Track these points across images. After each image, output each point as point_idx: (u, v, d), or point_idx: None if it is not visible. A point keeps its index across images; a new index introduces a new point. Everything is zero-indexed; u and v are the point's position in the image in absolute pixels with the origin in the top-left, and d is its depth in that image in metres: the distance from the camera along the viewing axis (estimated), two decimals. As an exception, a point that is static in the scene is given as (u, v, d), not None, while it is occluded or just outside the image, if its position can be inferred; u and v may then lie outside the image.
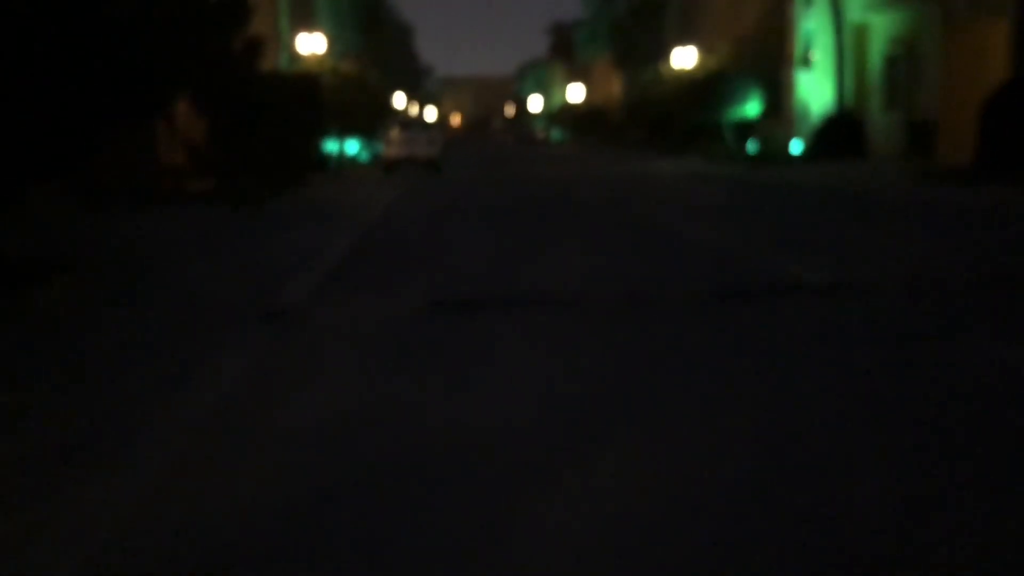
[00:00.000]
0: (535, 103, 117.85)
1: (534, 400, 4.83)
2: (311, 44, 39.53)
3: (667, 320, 6.81)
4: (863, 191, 19.39)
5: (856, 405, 4.61)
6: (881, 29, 31.17)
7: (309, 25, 41.62)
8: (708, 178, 26.29)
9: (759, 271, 8.89)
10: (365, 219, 15.30)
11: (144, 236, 12.69)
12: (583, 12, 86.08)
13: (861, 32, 31.96)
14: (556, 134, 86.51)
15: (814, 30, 35.22)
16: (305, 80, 29.66)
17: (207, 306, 7.61)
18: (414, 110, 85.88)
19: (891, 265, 9.12)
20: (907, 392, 4.81)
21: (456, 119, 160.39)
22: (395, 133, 35.07)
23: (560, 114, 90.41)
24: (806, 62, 36.12)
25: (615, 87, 71.22)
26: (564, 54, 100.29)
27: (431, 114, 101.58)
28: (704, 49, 45.14)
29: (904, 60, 29.87)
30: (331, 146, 36.96)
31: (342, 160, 38.53)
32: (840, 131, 31.06)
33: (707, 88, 38.53)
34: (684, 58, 45.03)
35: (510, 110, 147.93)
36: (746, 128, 38.35)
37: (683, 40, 48.51)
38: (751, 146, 36.93)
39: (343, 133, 38.80)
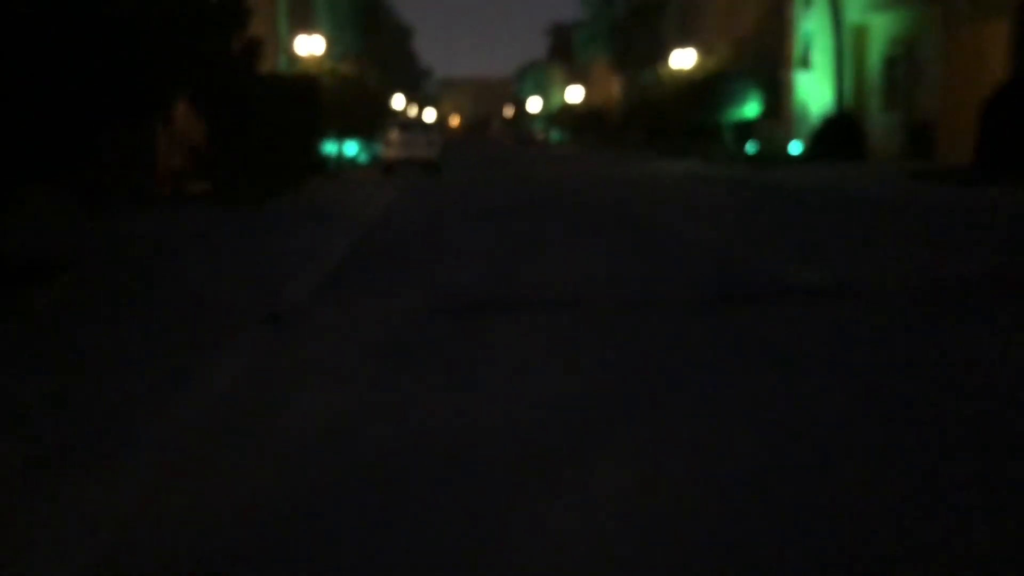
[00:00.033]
0: (534, 104, 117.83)
1: (535, 403, 4.81)
2: (310, 45, 39.50)
3: (668, 322, 6.79)
4: (863, 192, 19.38)
5: (858, 408, 4.60)
6: (880, 30, 31.18)
7: (308, 27, 41.60)
8: (707, 179, 26.28)
9: (760, 273, 8.88)
10: (364, 220, 15.28)
11: (143, 237, 12.67)
12: (582, 14, 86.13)
13: (860, 33, 31.96)
14: (555, 135, 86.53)
15: (813, 31, 35.23)
16: (304, 81, 29.63)
17: (206, 307, 7.59)
18: (413, 111, 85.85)
19: (892, 266, 9.11)
20: (910, 394, 4.80)
21: (455, 120, 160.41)
22: (394, 134, 35.04)
23: (559, 115, 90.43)
24: (805, 63, 36.13)
25: (614, 88, 71.24)
26: (563, 55, 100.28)
27: (430, 115, 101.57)
28: (703, 50, 45.14)
29: (903, 61, 29.88)
30: (330, 147, 36.94)
31: (341, 161, 38.50)
32: (839, 132, 31.06)
33: (706, 89, 38.55)
34: (683, 59, 45.01)
35: (509, 111, 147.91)
36: (745, 129, 38.35)
37: (682, 41, 48.52)
38: (750, 147, 36.93)
39: (342, 134, 38.79)
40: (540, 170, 34.81)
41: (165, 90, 10.74)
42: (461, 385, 5.20)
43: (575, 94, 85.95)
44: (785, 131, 36.52)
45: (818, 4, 34.20)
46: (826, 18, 32.60)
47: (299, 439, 4.29)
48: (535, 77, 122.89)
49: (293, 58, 39.44)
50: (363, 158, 42.97)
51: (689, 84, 41.37)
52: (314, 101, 28.76)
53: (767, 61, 38.62)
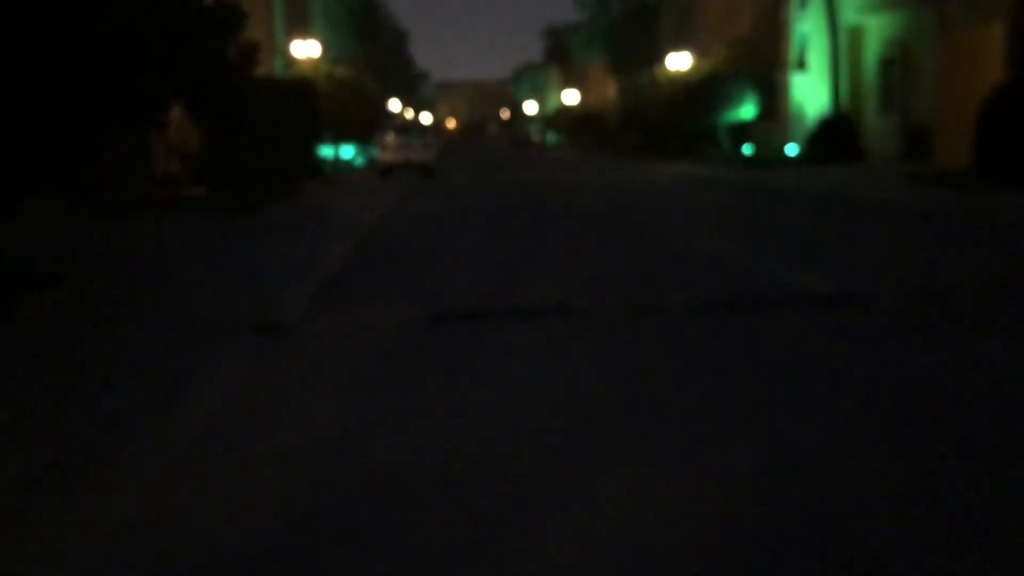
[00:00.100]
0: (530, 107, 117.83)
1: (535, 415, 4.75)
2: (306, 49, 39.45)
3: (669, 331, 6.73)
4: (861, 196, 19.34)
5: (860, 413, 4.54)
6: (876, 31, 31.16)
7: (304, 30, 41.56)
8: (704, 182, 26.24)
9: (761, 279, 8.82)
10: (360, 226, 15.22)
11: (138, 245, 12.60)
12: (578, 16, 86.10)
13: (856, 34, 31.94)
14: (552, 138, 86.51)
15: (809, 32, 35.21)
16: (300, 86, 29.59)
17: (200, 318, 7.52)
18: (410, 115, 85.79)
19: (894, 273, 9.05)
20: (914, 400, 4.74)
21: (452, 123, 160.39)
22: (390, 138, 34.95)
23: (556, 118, 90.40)
24: (801, 65, 36.11)
25: (610, 91, 71.22)
26: (559, 58, 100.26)
27: (426, 119, 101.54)
28: (699, 52, 45.12)
29: (899, 62, 29.86)
30: (326, 151, 36.89)
31: (337, 165, 38.46)
32: (836, 134, 31.04)
33: (702, 91, 38.52)
34: (679, 62, 45.00)
35: (505, 114, 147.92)
36: (742, 131, 38.33)
37: (678, 44, 48.49)
38: (747, 149, 36.90)
39: (338, 138, 38.74)
40: (537, 174, 34.77)
41: (160, 94, 10.66)
42: (461, 398, 5.13)
43: (571, 97, 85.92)
44: (781, 133, 36.50)
45: (814, 6, 34.19)
46: (822, 20, 32.58)
47: (294, 455, 4.22)
48: (531, 80, 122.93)
49: (289, 62, 39.39)
50: (359, 162, 42.92)
51: (685, 87, 41.34)
52: (310, 105, 28.71)
53: (763, 63, 38.61)
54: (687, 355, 5.98)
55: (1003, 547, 3.15)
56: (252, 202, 18.76)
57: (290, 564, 3.19)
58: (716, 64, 42.19)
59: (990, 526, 3.32)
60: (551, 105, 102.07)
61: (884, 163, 28.69)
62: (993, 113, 19.81)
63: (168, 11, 10.39)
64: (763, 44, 39.32)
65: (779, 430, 4.39)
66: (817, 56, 34.32)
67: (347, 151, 41.73)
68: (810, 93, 34.72)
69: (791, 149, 34.03)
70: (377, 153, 36.33)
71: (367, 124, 42.10)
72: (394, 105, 71.56)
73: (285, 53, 39.60)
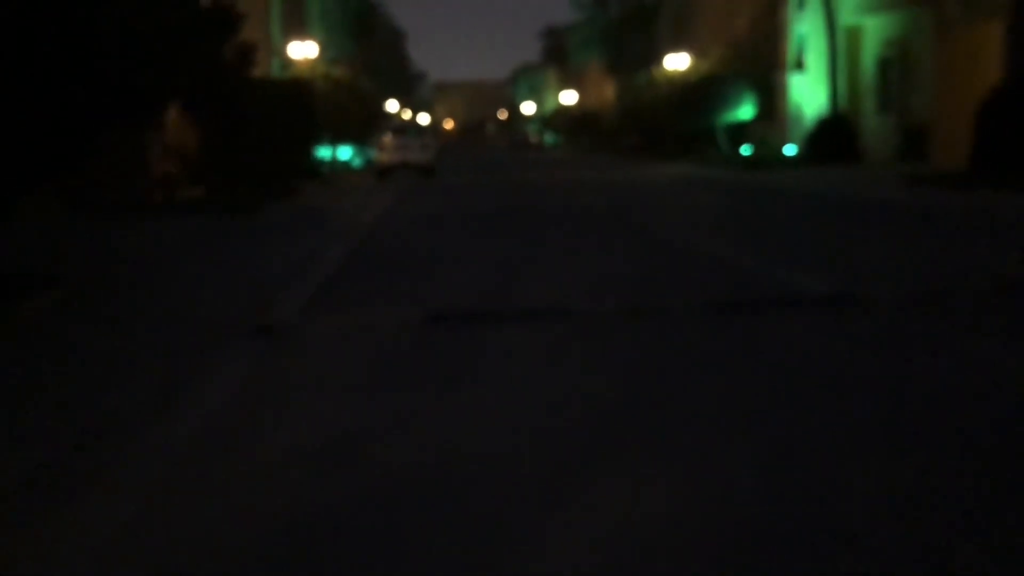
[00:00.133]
0: (528, 108, 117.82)
1: (535, 416, 4.72)
2: (303, 50, 39.42)
3: (669, 332, 6.71)
4: (859, 196, 19.33)
5: (860, 414, 4.52)
6: (874, 32, 31.15)
7: (301, 31, 41.53)
8: (703, 183, 26.22)
9: (761, 280, 8.80)
10: (358, 228, 15.19)
11: (134, 246, 12.57)
12: (575, 15, 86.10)
13: (854, 34, 31.93)
14: (550, 139, 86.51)
15: (807, 33, 35.21)
16: (297, 86, 29.58)
17: (197, 320, 7.50)
18: (407, 115, 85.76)
19: (892, 273, 9.03)
20: (914, 401, 4.71)
21: (449, 124, 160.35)
22: (388, 139, 34.90)
23: (554, 119, 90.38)
24: (799, 65, 36.11)
25: (608, 91, 71.22)
26: (557, 59, 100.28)
27: (424, 119, 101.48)
28: (697, 53, 45.11)
29: (897, 63, 29.85)
30: (324, 152, 36.85)
31: (335, 166, 38.43)
32: (834, 134, 31.04)
33: (700, 92, 38.51)
34: (677, 63, 44.99)
35: (503, 115, 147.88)
36: (740, 132, 38.32)
37: (676, 45, 48.48)
38: (745, 150, 36.89)
39: (336, 139, 38.70)
40: (535, 174, 34.74)
41: (158, 94, 10.64)
42: (460, 401, 5.10)
43: (569, 97, 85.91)
44: (780, 134, 36.50)
45: (812, 6, 34.19)
46: (820, 20, 32.57)
47: (291, 458, 4.19)
48: (529, 80, 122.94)
49: (286, 62, 39.36)
50: (357, 163, 42.88)
51: (683, 87, 41.33)
52: (308, 106, 28.70)
53: (761, 64, 38.61)
54: (687, 356, 5.95)
55: (1004, 548, 3.13)
56: (250, 203, 18.74)
57: (289, 567, 3.16)
58: (714, 65, 42.19)
59: (991, 527, 3.30)
60: (549, 106, 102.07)
61: (882, 163, 28.69)
62: (991, 113, 19.81)
63: (166, 12, 10.37)
64: (761, 45, 39.32)
65: (780, 432, 4.37)
66: (815, 57, 34.32)
67: (345, 152, 41.69)
68: (808, 93, 34.72)
69: (789, 149, 34.03)
70: (375, 154, 36.28)
71: (365, 125, 42.06)
72: (392, 106, 71.54)
73: (282, 54, 39.57)
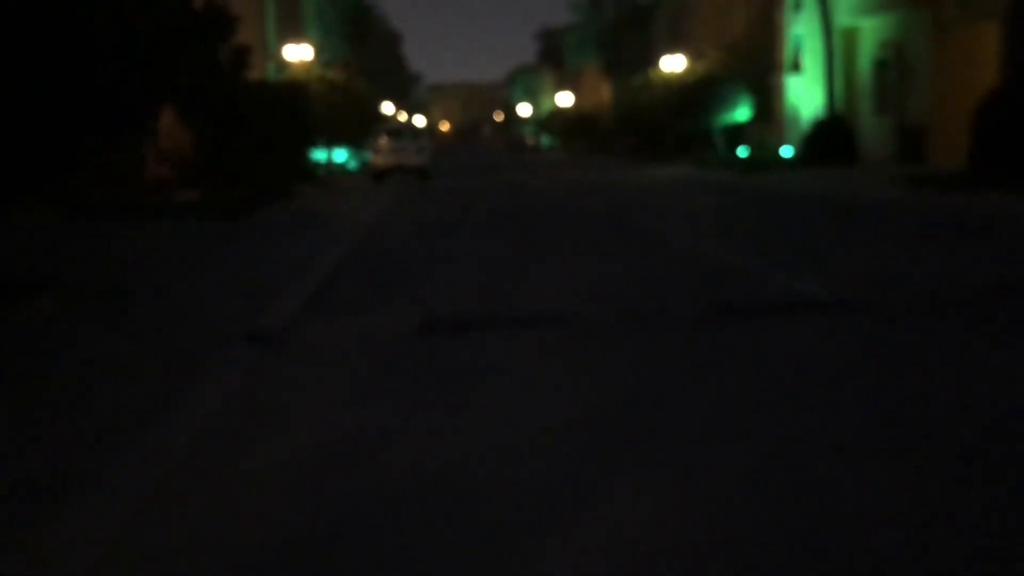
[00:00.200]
0: (524, 110, 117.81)
1: (535, 416, 4.63)
2: (298, 53, 39.33)
3: (668, 340, 6.62)
4: (857, 198, 19.27)
5: (861, 418, 4.43)
6: (870, 33, 31.10)
7: (297, 33, 41.44)
8: (700, 185, 26.16)
9: (759, 285, 8.73)
10: (354, 231, 15.10)
11: (128, 251, 12.46)
12: (571, 17, 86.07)
13: (850, 36, 31.89)
14: (546, 141, 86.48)
15: (803, 34, 35.17)
16: (292, 89, 29.46)
17: (191, 326, 7.40)
18: (403, 118, 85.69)
19: (891, 277, 8.95)
20: (915, 405, 4.63)
21: (445, 126, 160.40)
22: (383, 141, 34.78)
23: (550, 121, 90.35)
24: (796, 67, 36.07)
25: (605, 93, 71.20)
26: (553, 60, 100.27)
27: (420, 121, 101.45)
28: (693, 55, 45.08)
29: (894, 64, 29.80)
30: (319, 155, 36.76)
31: (330, 169, 38.33)
32: (831, 136, 30.97)
33: (697, 94, 38.46)
34: (673, 64, 44.95)
35: (499, 117, 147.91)
36: (737, 134, 38.28)
37: (672, 46, 48.46)
38: (742, 152, 36.85)
39: (331, 142, 38.61)
40: (532, 177, 34.69)
41: (155, 96, 10.55)
42: (456, 412, 5.01)
43: (565, 99, 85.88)
44: (776, 135, 36.46)
45: (808, 8, 34.14)
46: (816, 22, 32.52)
47: (284, 468, 4.10)
48: (525, 82, 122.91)
49: (282, 65, 39.27)
50: (352, 165, 42.78)
51: (680, 89, 41.28)
52: (303, 108, 28.59)
53: (757, 65, 38.57)
54: (686, 360, 5.87)
55: (1005, 550, 3.08)
56: (245, 206, 18.63)
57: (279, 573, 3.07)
58: (711, 66, 42.15)
59: (992, 529, 3.23)
60: (545, 107, 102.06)
61: (879, 165, 28.64)
62: (989, 115, 19.74)
63: (157, 16, 10.28)
64: (757, 46, 39.28)
65: (780, 435, 4.28)
66: (811, 58, 34.28)
67: (340, 155, 41.60)
68: (805, 95, 34.67)
69: (786, 151, 33.98)
70: (370, 157, 36.18)
71: (360, 127, 41.96)
72: (387, 108, 71.48)
73: (278, 56, 39.48)
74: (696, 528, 3.41)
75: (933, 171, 23.00)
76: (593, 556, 3.21)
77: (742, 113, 38.07)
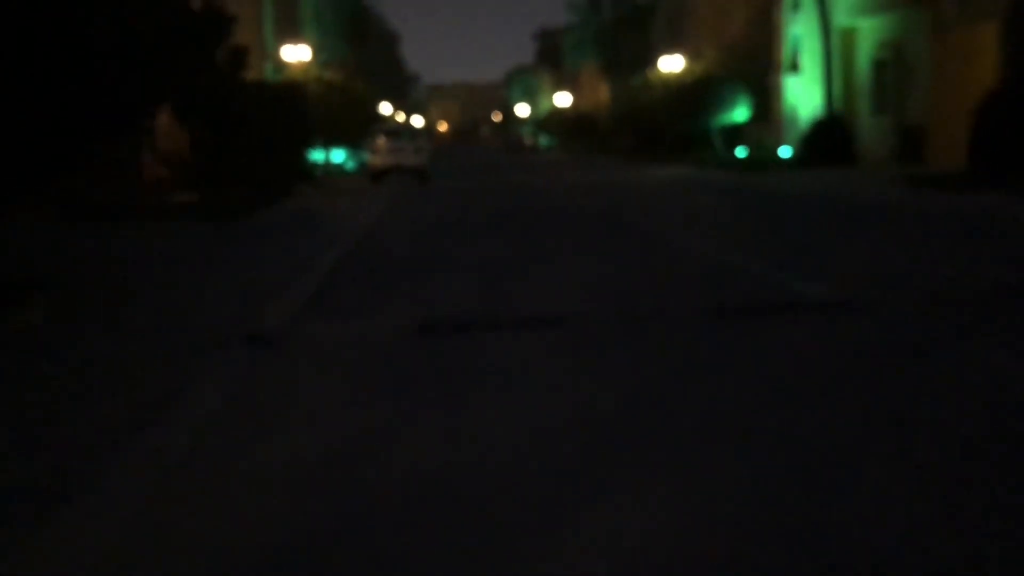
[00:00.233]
0: (522, 110, 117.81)
1: (534, 417, 4.62)
2: (296, 53, 39.31)
3: (668, 340, 6.61)
4: (856, 198, 19.26)
5: (861, 418, 4.42)
6: (869, 33, 31.10)
7: (294, 34, 41.43)
8: (699, 185, 26.15)
9: (759, 285, 8.72)
10: (351, 232, 15.08)
11: (125, 252, 12.45)
12: (569, 19, 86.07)
13: (849, 36, 31.89)
14: (544, 141, 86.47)
15: (802, 35, 35.17)
16: (290, 89, 29.44)
17: (188, 328, 7.38)
18: (401, 118, 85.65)
19: (891, 277, 8.95)
20: (915, 405, 4.62)
21: (443, 126, 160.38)
22: (381, 142, 34.73)
23: (548, 121, 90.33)
24: (794, 67, 36.07)
25: (603, 93, 71.20)
26: (551, 61, 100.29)
27: (418, 122, 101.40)
28: (692, 55, 45.08)
29: (892, 64, 29.80)
30: (317, 156, 36.73)
31: (328, 170, 38.32)
32: (829, 136, 30.97)
33: (695, 94, 38.47)
34: (672, 65, 44.95)
35: (497, 117, 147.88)
36: (735, 134, 38.28)
37: (671, 47, 48.46)
38: (740, 152, 36.85)
39: (329, 143, 38.58)
40: (531, 177, 34.67)
41: (153, 96, 10.55)
42: (456, 412, 5.00)
43: (563, 99, 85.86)
44: (775, 135, 36.46)
45: (806, 8, 34.14)
46: (814, 22, 32.53)
47: (284, 469, 4.09)
48: (523, 83, 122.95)
49: (279, 65, 39.25)
50: (350, 166, 42.77)
51: (678, 89, 41.28)
52: (301, 109, 28.56)
53: (756, 65, 38.57)
54: (686, 360, 5.86)
55: (1005, 550, 3.07)
56: (242, 207, 18.61)
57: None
58: (709, 66, 42.16)
59: (992, 529, 3.22)
60: (543, 108, 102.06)
61: (878, 165, 28.64)
62: (988, 115, 19.75)
63: (154, 17, 10.28)
64: (756, 46, 39.28)
65: (780, 435, 4.27)
66: (810, 58, 34.28)
67: (338, 155, 41.58)
68: (803, 95, 34.68)
69: (784, 151, 33.98)
70: (368, 157, 36.14)
71: (358, 128, 41.93)
72: (385, 108, 71.45)
73: (275, 57, 39.46)
74: (696, 528, 3.40)
75: (932, 171, 23.01)
76: (593, 556, 3.20)
77: (740, 113, 38.08)
